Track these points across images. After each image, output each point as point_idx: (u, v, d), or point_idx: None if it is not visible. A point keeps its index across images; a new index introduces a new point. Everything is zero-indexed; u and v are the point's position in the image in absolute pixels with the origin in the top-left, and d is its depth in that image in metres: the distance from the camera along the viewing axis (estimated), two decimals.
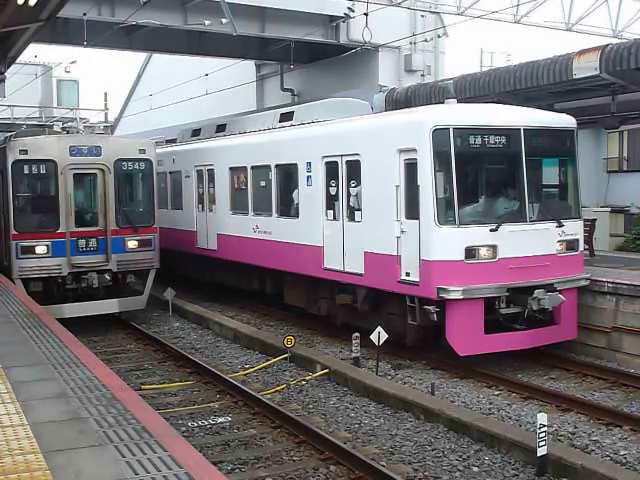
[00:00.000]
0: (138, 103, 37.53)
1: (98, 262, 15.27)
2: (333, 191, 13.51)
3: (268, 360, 12.76)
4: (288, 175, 15.14)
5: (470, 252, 11.20)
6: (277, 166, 15.33)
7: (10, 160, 14.82)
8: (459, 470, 8.15)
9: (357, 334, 12.19)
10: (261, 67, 30.01)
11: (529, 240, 11.59)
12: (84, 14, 19.67)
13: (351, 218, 13.04)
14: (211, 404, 10.60)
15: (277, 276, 15.80)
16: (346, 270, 13.09)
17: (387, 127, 12.68)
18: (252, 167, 16.30)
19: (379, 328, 11.72)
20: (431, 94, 19.64)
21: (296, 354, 12.56)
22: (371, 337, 11.69)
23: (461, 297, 11.06)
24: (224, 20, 20.49)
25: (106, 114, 34.79)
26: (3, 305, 11.24)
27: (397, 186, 11.82)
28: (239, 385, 11.09)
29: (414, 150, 11.44)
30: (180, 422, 9.69)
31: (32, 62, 36.58)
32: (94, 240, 15.28)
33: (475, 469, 8.17)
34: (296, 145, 14.84)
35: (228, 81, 27.33)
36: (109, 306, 15.55)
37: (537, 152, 12.15)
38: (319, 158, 13.76)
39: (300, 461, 8.43)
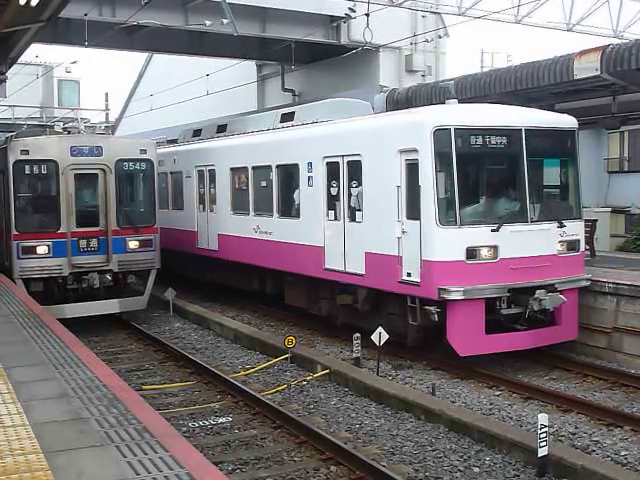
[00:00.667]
0: (139, 103, 37.54)
1: (99, 262, 15.27)
2: (334, 191, 13.50)
3: (269, 360, 12.77)
4: (289, 175, 15.13)
5: (471, 252, 11.18)
6: (278, 166, 15.34)
7: (11, 160, 14.83)
8: (460, 470, 8.15)
9: (358, 334, 12.20)
10: (262, 67, 30.02)
11: (530, 240, 11.56)
12: (85, 14, 19.69)
13: (352, 218, 13.03)
14: (212, 404, 10.60)
15: (278, 276, 15.79)
16: (347, 270, 13.09)
17: (388, 127, 12.67)
18: (253, 167, 16.31)
19: (380, 328, 11.72)
20: (432, 94, 19.67)
21: (297, 354, 12.56)
22: (372, 337, 11.69)
23: (462, 297, 11.05)
24: (225, 20, 20.48)
25: (107, 114, 34.85)
26: (4, 305, 11.26)
27: (398, 186, 11.81)
28: (240, 385, 11.09)
29: (415, 150, 11.43)
30: (181, 422, 9.69)
31: (33, 62, 36.63)
32: (95, 240, 15.29)
33: (476, 469, 8.17)
34: (297, 145, 14.83)
35: (229, 81, 27.34)
36: (110, 306, 15.55)
37: (538, 152, 12.13)
38: (320, 158, 13.75)
39: (301, 461, 8.44)
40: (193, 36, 24.77)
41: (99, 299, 15.38)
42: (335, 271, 13.40)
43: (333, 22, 23.63)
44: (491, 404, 10.32)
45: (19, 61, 17.86)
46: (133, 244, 15.62)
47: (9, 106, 35.79)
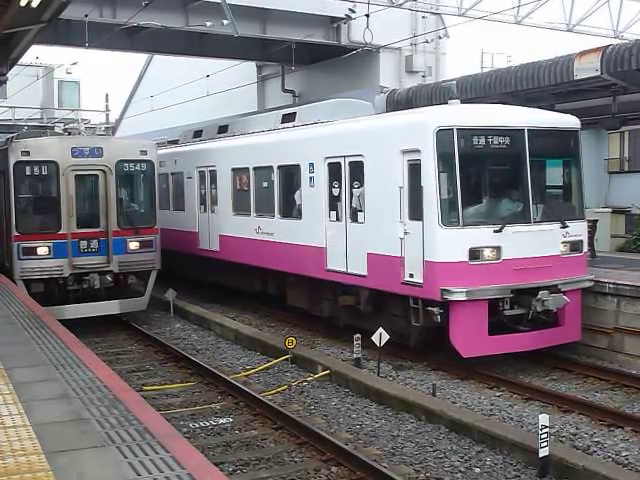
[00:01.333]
0: (139, 104, 37.54)
1: (99, 263, 15.28)
2: (336, 192, 13.47)
3: (269, 361, 12.77)
4: (291, 176, 15.12)
5: (474, 253, 11.15)
6: (280, 167, 15.32)
7: (12, 161, 14.84)
8: (460, 471, 8.15)
9: (358, 335, 12.19)
10: (262, 68, 30.02)
11: (533, 241, 11.53)
12: (86, 15, 19.68)
13: (354, 219, 13.01)
14: (212, 405, 10.61)
15: (279, 277, 15.75)
16: (349, 271, 13.06)
17: (390, 128, 12.64)
18: (254, 168, 16.29)
19: (380, 329, 11.71)
20: (432, 95, 19.66)
21: (297, 355, 12.56)
22: (372, 338, 11.68)
23: (465, 298, 11.01)
24: (225, 21, 20.49)
25: (107, 115, 34.84)
26: (5, 306, 11.26)
27: (400, 187, 11.78)
28: (240, 386, 11.09)
29: (417, 151, 11.40)
30: (182, 423, 9.70)
31: (34, 63, 36.62)
32: (95, 241, 15.30)
33: (477, 470, 8.17)
34: (299, 146, 14.80)
35: (229, 82, 27.34)
36: (110, 307, 15.56)
37: (541, 153, 12.08)
38: (322, 159, 13.72)
39: (301, 462, 8.44)
40: (193, 37, 24.77)
41: (100, 300, 15.39)
42: (337, 272, 13.37)
43: (333, 23, 23.64)
44: (492, 405, 10.32)
45: (19, 62, 17.87)
46: (134, 245, 15.63)
47: (10, 107, 35.78)
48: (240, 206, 16.95)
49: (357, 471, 7.99)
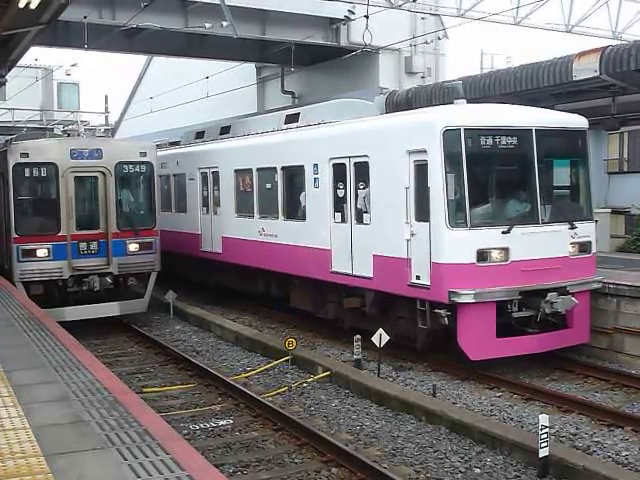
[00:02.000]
0: (139, 106, 37.57)
1: (99, 265, 15.28)
2: (341, 193, 13.31)
3: (269, 362, 12.77)
4: (294, 177, 15.00)
5: (482, 255, 11.00)
6: (283, 168, 15.16)
7: (11, 163, 14.84)
8: (461, 472, 8.15)
9: (359, 336, 12.18)
10: (262, 69, 30.04)
11: (541, 242, 11.38)
12: (85, 17, 19.71)
13: (359, 220, 12.86)
14: (213, 407, 10.61)
15: (283, 279, 15.61)
16: (354, 273, 12.91)
17: (396, 128, 12.50)
18: (258, 169, 16.14)
19: (380, 330, 11.70)
20: (432, 96, 19.68)
21: (297, 356, 12.55)
22: (373, 339, 11.68)
23: (473, 301, 10.86)
24: (225, 23, 20.50)
25: (107, 117, 34.80)
26: (4, 308, 11.25)
27: (407, 188, 11.61)
28: (241, 387, 11.08)
29: (424, 151, 11.26)
30: (182, 425, 9.69)
31: (33, 65, 36.59)
32: (95, 243, 15.29)
33: (477, 470, 8.17)
34: (303, 147, 14.65)
35: (229, 83, 27.36)
36: (110, 309, 15.56)
37: (549, 153, 11.96)
38: (326, 160, 13.58)
39: (302, 463, 8.44)
40: (193, 38, 24.79)
41: (99, 302, 15.38)
42: (342, 274, 13.23)
43: (333, 24, 23.66)
44: (492, 405, 10.32)
45: (19, 64, 17.88)
46: (133, 247, 15.62)
47: (9, 109, 35.79)
48: (243, 208, 16.84)
49: (357, 472, 7.98)
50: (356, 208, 12.94)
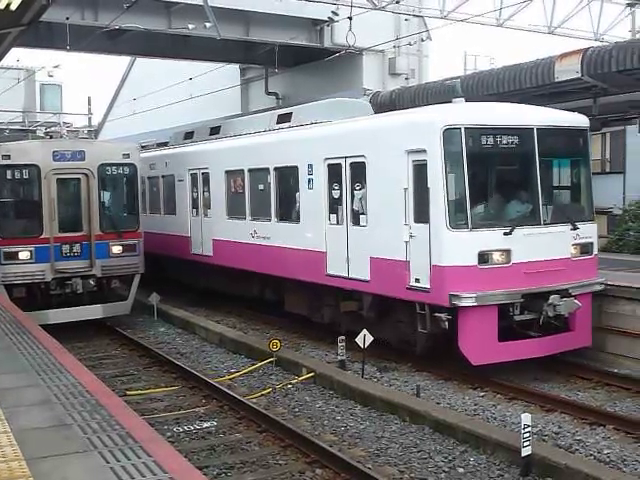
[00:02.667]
0: (122, 107, 37.40)
1: (82, 267, 15.20)
2: (336, 194, 13.03)
3: (254, 364, 12.75)
4: (288, 178, 14.69)
5: (483, 257, 10.77)
6: (276, 169, 14.81)
7: None
8: (444, 471, 8.19)
9: (343, 337, 12.18)
10: (246, 71, 30.01)
11: (544, 244, 11.16)
12: (67, 18, 19.58)
13: (356, 222, 12.58)
14: (197, 409, 10.58)
15: (277, 282, 15.24)
16: (351, 276, 12.64)
17: (395, 127, 12.19)
18: (249, 170, 15.82)
19: (364, 331, 11.70)
20: (415, 97, 19.75)
21: (282, 358, 12.55)
22: (356, 340, 11.69)
23: (475, 304, 10.65)
24: (208, 24, 20.45)
25: (90, 118, 34.64)
26: None
27: (405, 189, 11.38)
28: (225, 390, 11.08)
29: (424, 151, 11.02)
30: (166, 427, 9.67)
31: (15, 66, 36.36)
32: (78, 245, 15.22)
33: (460, 470, 8.21)
34: (297, 147, 14.34)
35: (213, 85, 27.31)
36: (93, 312, 15.48)
37: (550, 152, 11.76)
38: (321, 160, 13.29)
39: (286, 465, 8.44)
40: (177, 40, 24.71)
41: (82, 304, 15.32)
42: (338, 277, 12.95)
43: (316, 25, 23.66)
44: (475, 405, 10.37)
45: (0, 65, 17.73)
46: (116, 249, 15.55)
47: None
48: (234, 209, 16.47)
49: (342, 473, 8.00)
50: (352, 209, 12.68)
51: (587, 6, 22.42)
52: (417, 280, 11.26)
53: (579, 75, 15.45)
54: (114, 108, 41.99)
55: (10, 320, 10.35)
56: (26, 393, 6.53)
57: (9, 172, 14.91)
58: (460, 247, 10.82)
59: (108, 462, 4.80)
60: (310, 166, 13.64)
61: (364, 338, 11.61)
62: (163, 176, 19.93)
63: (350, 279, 12.71)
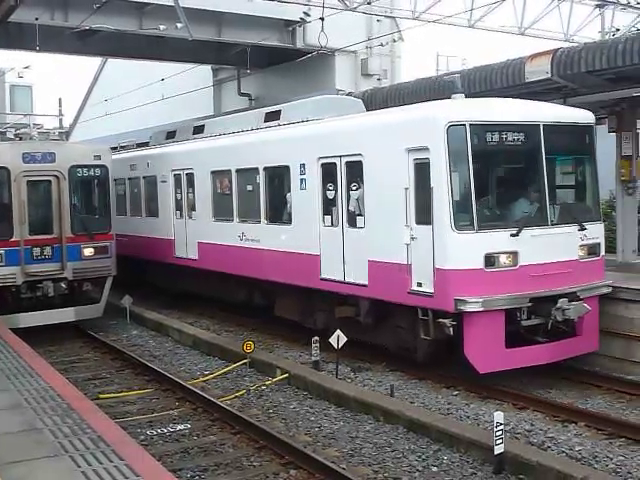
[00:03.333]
0: (94, 108, 37.09)
1: (53, 270, 15.04)
2: (331, 195, 12.50)
3: (228, 366, 12.71)
4: (278, 178, 14.26)
5: (490, 259, 10.30)
6: (266, 169, 14.29)
7: None
8: (418, 470, 8.23)
9: (316, 338, 12.18)
10: (218, 72, 29.91)
11: (551, 245, 10.76)
12: (36, 19, 19.37)
13: (352, 224, 12.07)
14: (170, 411, 10.53)
15: (267, 287, 14.67)
16: (347, 280, 12.12)
17: (394, 124, 11.69)
18: (237, 170, 15.21)
19: (338, 331, 11.69)
20: (388, 98, 19.81)
21: (256, 359, 12.53)
22: (330, 340, 11.70)
23: (481, 309, 10.20)
24: (179, 25, 20.35)
25: (61, 120, 34.27)
26: None
27: (406, 188, 10.89)
28: (198, 392, 11.03)
29: (426, 149, 10.56)
30: (139, 430, 9.60)
31: None
32: (49, 248, 15.05)
33: (434, 469, 8.26)
34: (288, 146, 13.82)
35: (185, 86, 27.18)
36: (65, 315, 15.32)
37: (557, 149, 11.38)
38: (314, 159, 12.78)
39: (260, 466, 8.44)
40: (149, 40, 24.53)
41: (54, 308, 15.15)
42: (333, 281, 12.41)
43: (288, 26, 23.65)
44: (449, 404, 10.43)
45: None
46: (88, 251, 15.41)
47: None
48: (221, 211, 15.90)
49: (316, 473, 8.01)
50: (348, 211, 12.17)
51: (557, 7, 22.68)
52: (419, 284, 10.79)
53: (549, 76, 15.57)
54: (86, 109, 41.63)
55: None
56: None
57: None
58: (465, 249, 10.35)
59: (79, 466, 4.77)
60: (302, 166, 13.13)
61: (338, 338, 11.62)
62: (144, 177, 19.29)
63: (346, 283, 12.20)
